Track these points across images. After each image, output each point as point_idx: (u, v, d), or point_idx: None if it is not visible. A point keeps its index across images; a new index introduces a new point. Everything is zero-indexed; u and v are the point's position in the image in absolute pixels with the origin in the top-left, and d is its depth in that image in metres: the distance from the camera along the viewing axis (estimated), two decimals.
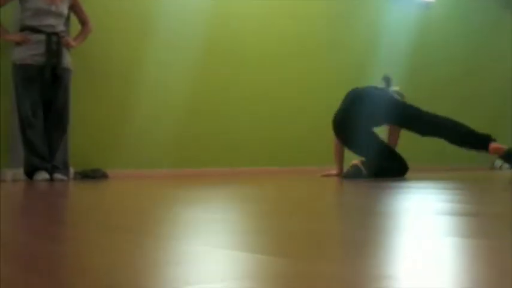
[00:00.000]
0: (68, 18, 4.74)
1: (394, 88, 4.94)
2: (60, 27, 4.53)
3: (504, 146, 4.36)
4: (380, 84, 4.93)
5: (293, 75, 6.51)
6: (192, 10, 5.82)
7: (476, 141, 4.38)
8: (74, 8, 4.72)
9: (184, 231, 1.09)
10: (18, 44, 4.40)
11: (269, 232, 1.05)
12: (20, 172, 4.51)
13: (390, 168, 4.53)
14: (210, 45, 5.93)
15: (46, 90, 4.46)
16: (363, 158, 4.51)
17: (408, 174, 4.75)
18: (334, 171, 4.94)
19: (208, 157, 5.86)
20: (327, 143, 6.68)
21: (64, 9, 4.58)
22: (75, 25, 4.85)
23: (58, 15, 4.50)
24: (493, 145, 4.33)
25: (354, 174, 4.39)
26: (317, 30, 6.73)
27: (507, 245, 0.85)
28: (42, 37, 4.41)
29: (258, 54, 6.26)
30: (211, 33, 5.94)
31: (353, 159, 4.57)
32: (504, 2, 8.95)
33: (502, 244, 0.86)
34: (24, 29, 4.43)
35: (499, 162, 8.04)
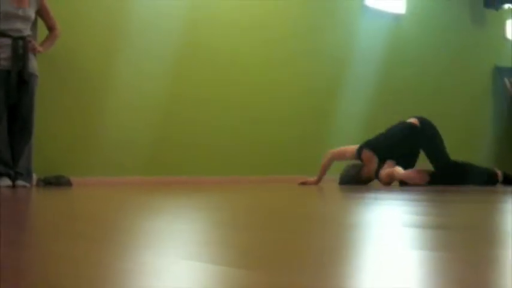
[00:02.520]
0: (35, 23, 4.68)
1: None
2: (27, 32, 4.46)
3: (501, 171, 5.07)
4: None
5: (268, 84, 6.53)
6: (166, 15, 5.80)
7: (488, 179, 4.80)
8: (42, 12, 4.66)
9: (149, 240, 1.07)
10: None
11: (234, 243, 1.04)
12: None
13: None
14: (185, 52, 5.92)
15: (11, 95, 4.38)
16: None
17: (377, 185, 4.79)
18: (312, 180, 5.12)
19: (180, 165, 5.82)
20: (306, 151, 6.72)
21: (31, 13, 4.51)
22: (42, 30, 4.79)
23: (25, 19, 4.44)
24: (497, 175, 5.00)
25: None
26: (293, 40, 6.78)
27: (472, 258, 0.85)
28: (8, 41, 4.34)
29: (234, 62, 6.26)
30: (185, 39, 5.93)
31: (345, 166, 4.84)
32: (473, 15, 9.13)
33: (467, 257, 0.86)
34: None
35: None
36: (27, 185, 4.38)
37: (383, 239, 1.10)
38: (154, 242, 1.04)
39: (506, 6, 9.15)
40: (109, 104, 5.41)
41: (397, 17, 7.97)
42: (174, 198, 2.65)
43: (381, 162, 4.91)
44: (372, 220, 1.52)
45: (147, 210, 1.85)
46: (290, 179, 6.43)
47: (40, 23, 4.78)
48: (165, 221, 1.49)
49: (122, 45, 5.52)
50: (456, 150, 8.27)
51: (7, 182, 4.27)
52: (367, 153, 4.96)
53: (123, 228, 1.31)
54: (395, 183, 5.58)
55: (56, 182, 4.78)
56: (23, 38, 4.39)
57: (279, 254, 0.89)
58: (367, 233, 1.21)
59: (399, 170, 4.58)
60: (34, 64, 4.50)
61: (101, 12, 5.42)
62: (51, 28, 4.72)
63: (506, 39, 9.76)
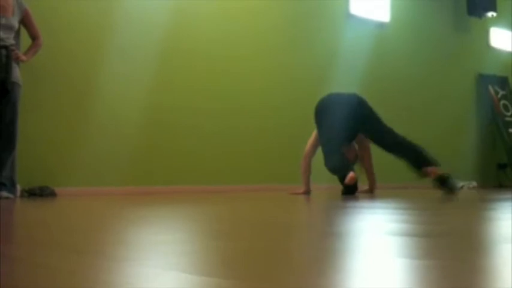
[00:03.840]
0: (18, 32, 4.64)
1: None
2: (10, 41, 4.42)
3: (441, 171, 4.44)
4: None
5: (253, 92, 6.53)
6: (151, 23, 5.79)
7: (419, 161, 4.48)
8: (25, 21, 4.62)
9: (133, 252, 1.06)
10: None
11: (218, 253, 1.03)
12: None
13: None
14: (170, 60, 5.90)
15: None
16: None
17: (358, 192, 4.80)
18: (301, 190, 5.05)
19: (165, 174, 5.79)
20: (294, 160, 6.72)
21: (15, 22, 4.48)
22: (25, 39, 4.76)
23: (8, 28, 4.40)
24: (430, 168, 4.41)
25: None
26: (277, 48, 6.79)
27: (456, 267, 0.85)
28: None
29: (220, 70, 6.26)
30: (171, 46, 5.92)
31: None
32: (457, 23, 9.22)
33: (451, 266, 0.86)
34: None
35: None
36: (11, 196, 4.34)
37: (367, 247, 1.10)
38: (138, 253, 1.03)
39: (490, 14, 9.24)
40: (93, 113, 5.38)
41: (381, 25, 8.03)
42: (158, 209, 2.63)
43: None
44: (356, 229, 1.52)
45: (131, 221, 1.84)
46: (278, 188, 6.42)
47: (23, 32, 4.74)
48: (149, 232, 1.48)
49: (106, 55, 5.50)
50: (437, 156, 8.31)
51: None
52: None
53: (108, 239, 1.29)
54: None
55: (40, 192, 4.74)
56: (6, 47, 4.35)
57: (262, 264, 0.89)
58: (351, 241, 1.20)
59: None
60: (17, 73, 4.46)
61: (85, 20, 5.41)
62: (34, 37, 4.69)
63: (489, 47, 9.85)
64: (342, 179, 4.67)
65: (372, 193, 5.04)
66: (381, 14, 7.96)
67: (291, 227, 1.61)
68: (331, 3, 7.46)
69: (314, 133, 5.10)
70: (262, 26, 6.70)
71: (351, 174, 4.40)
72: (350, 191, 4.71)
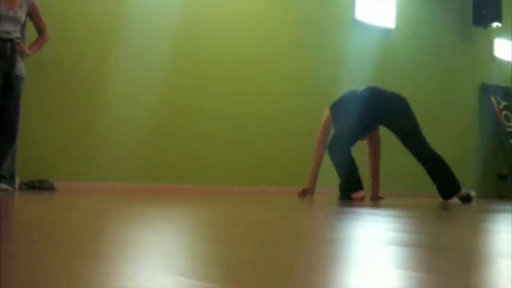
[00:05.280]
0: (24, 25, 4.65)
1: None
2: (16, 34, 4.43)
3: (463, 192, 4.94)
4: None
5: (260, 97, 6.54)
6: (160, 23, 5.80)
7: (447, 189, 4.92)
8: (32, 15, 4.63)
9: (131, 253, 1.06)
10: None
11: (217, 258, 1.03)
12: None
13: None
14: (175, 58, 5.91)
15: None
16: None
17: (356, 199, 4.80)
18: (305, 188, 5.08)
19: (171, 173, 5.79)
20: (298, 163, 6.71)
21: (22, 15, 4.48)
22: (30, 32, 4.76)
23: (15, 21, 4.40)
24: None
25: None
26: (284, 54, 6.80)
27: (453, 282, 0.85)
28: None
29: (227, 73, 6.27)
30: (180, 47, 5.93)
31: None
32: (462, 32, 9.22)
33: (449, 281, 0.86)
34: None
35: None
36: (10, 188, 4.34)
37: (365, 256, 1.09)
38: (136, 255, 1.03)
39: (495, 24, 9.24)
40: (98, 110, 5.39)
41: (387, 31, 8.03)
42: (161, 208, 2.63)
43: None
44: (354, 236, 1.52)
45: (132, 220, 1.83)
46: (282, 190, 6.42)
47: (29, 25, 4.75)
48: (149, 232, 1.48)
49: (114, 53, 5.51)
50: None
51: None
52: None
53: (105, 238, 1.29)
54: None
55: (39, 186, 4.74)
56: (11, 40, 4.36)
57: (261, 271, 0.89)
58: (349, 250, 1.20)
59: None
60: (21, 66, 4.47)
61: (94, 17, 5.41)
62: (41, 31, 4.69)
63: (494, 57, 9.84)
64: (344, 185, 4.73)
65: (376, 201, 5.00)
66: (386, 20, 7.96)
67: (291, 232, 1.61)
68: (337, 9, 7.47)
69: (325, 114, 5.12)
70: (269, 31, 6.71)
71: (360, 193, 4.60)
72: (347, 197, 4.74)
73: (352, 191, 4.67)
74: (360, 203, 4.68)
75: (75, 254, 1.02)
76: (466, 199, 4.89)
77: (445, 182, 4.88)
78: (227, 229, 1.61)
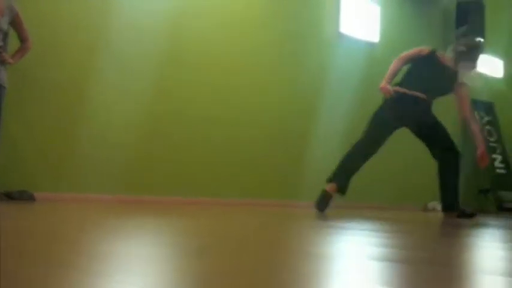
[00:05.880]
0: (6, 34, 4.60)
1: None
2: None
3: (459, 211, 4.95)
4: None
5: (245, 109, 6.52)
6: (146, 30, 5.77)
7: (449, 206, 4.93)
8: (15, 23, 4.58)
9: (108, 266, 1.03)
10: None
11: (194, 272, 1.01)
12: None
13: None
14: (161, 66, 5.88)
15: None
16: None
17: (338, 212, 4.78)
18: (383, 83, 4.96)
19: (153, 184, 5.74)
20: (285, 175, 6.69)
21: (5, 24, 4.44)
22: (13, 40, 4.72)
23: None
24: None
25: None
26: (268, 66, 6.80)
27: None
28: None
29: (212, 83, 6.24)
30: (166, 55, 5.90)
31: None
32: (446, 46, 9.30)
33: None
34: None
35: (432, 204, 8.24)
36: None
37: (348, 272, 1.08)
38: (113, 268, 1.01)
39: (477, 40, 9.33)
40: (80, 118, 5.34)
41: (371, 45, 8.08)
42: (141, 220, 2.60)
43: None
44: (337, 251, 1.50)
45: (110, 232, 1.81)
46: (269, 203, 6.39)
47: (12, 33, 4.70)
48: (127, 245, 1.45)
49: (97, 61, 5.47)
50: (422, 179, 8.35)
51: None
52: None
53: (82, 251, 1.27)
54: None
55: (18, 196, 4.68)
56: None
57: (240, 285, 0.87)
58: (332, 265, 1.19)
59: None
60: (3, 75, 4.42)
61: (77, 24, 5.38)
62: (23, 40, 4.64)
63: (475, 72, 9.94)
64: (338, 170, 4.71)
65: (483, 155, 4.95)
66: (371, 34, 8.01)
67: (274, 245, 1.59)
68: (321, 22, 7.50)
69: (419, 50, 5.15)
70: (256, 42, 6.71)
71: (333, 186, 4.58)
72: (322, 204, 4.68)
73: (336, 179, 4.66)
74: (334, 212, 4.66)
75: (53, 266, 0.99)
76: (467, 215, 4.90)
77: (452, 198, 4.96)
78: (207, 241, 1.59)
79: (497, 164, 9.52)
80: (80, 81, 5.34)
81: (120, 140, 5.54)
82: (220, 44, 6.37)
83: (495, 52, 10.23)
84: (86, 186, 5.31)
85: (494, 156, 9.57)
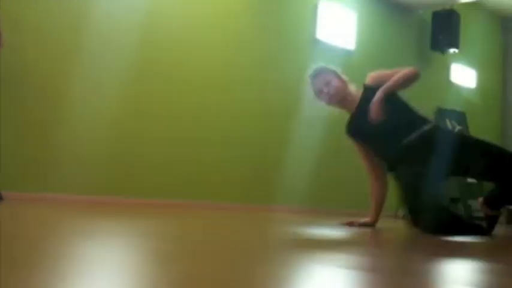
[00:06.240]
0: None
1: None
2: None
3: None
4: None
5: (220, 108, 6.48)
6: (124, 29, 5.71)
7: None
8: None
9: (74, 266, 1.01)
10: None
11: (161, 276, 1.00)
12: None
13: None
14: (142, 66, 5.80)
15: None
16: None
17: (288, 217, 4.77)
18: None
19: (132, 185, 5.66)
20: (259, 181, 6.67)
21: None
22: None
23: None
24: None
25: None
26: (244, 70, 6.78)
27: None
28: None
29: (188, 83, 6.20)
30: (144, 54, 5.83)
31: None
32: (420, 56, 9.40)
33: None
34: None
35: (402, 211, 8.28)
36: None
37: (317, 280, 1.07)
38: (80, 269, 0.99)
39: (452, 50, 9.45)
40: (52, 115, 5.25)
41: (347, 52, 8.13)
42: (113, 222, 2.57)
43: None
44: (307, 259, 1.50)
45: (83, 234, 1.78)
46: (255, 208, 6.37)
47: None
48: (96, 246, 1.43)
49: (76, 57, 5.39)
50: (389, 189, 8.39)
51: None
52: None
53: (51, 252, 1.24)
54: None
55: None
56: None
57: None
58: (299, 271, 1.18)
59: None
60: None
61: (55, 22, 5.31)
62: None
63: (450, 82, 10.07)
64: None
65: (373, 226, 3.93)
66: (347, 41, 8.05)
67: (241, 250, 1.58)
68: (297, 27, 7.53)
69: None
70: (230, 48, 6.69)
71: None
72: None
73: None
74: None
75: (19, 268, 0.97)
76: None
77: None
78: (181, 244, 1.58)
79: None
80: (55, 79, 5.27)
81: (95, 139, 5.47)
82: (193, 51, 6.33)
83: (468, 62, 10.39)
84: (59, 186, 5.23)
85: None
